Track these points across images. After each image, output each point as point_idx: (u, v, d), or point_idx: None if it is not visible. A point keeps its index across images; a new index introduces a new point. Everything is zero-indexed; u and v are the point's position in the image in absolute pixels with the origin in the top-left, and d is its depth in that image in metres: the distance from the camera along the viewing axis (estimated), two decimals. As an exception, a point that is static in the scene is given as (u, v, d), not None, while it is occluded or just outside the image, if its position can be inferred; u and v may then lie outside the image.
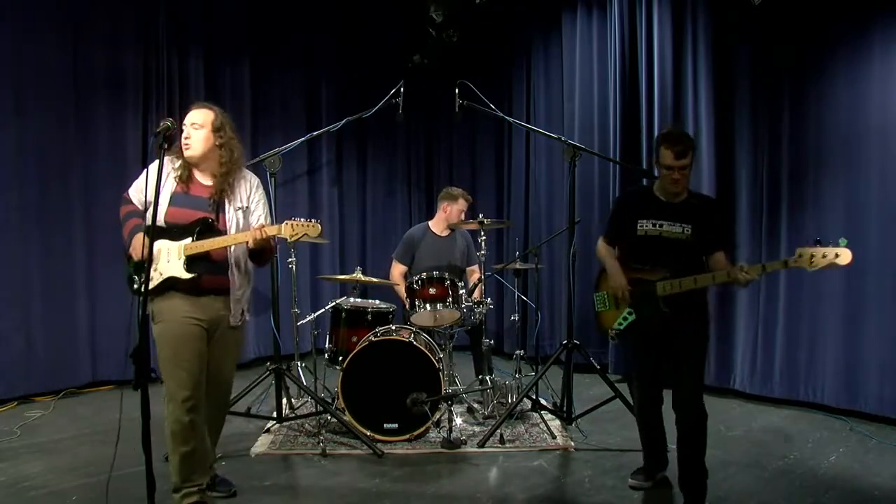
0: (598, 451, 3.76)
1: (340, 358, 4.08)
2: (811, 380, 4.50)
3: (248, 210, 2.96)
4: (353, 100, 6.25)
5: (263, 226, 2.79)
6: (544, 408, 4.26)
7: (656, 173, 3.13)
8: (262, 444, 3.84)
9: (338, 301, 4.40)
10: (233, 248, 2.89)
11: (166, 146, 2.56)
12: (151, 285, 2.76)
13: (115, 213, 5.38)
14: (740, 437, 4.01)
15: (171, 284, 2.79)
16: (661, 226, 3.04)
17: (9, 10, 4.64)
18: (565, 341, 4.19)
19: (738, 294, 4.84)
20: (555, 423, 4.17)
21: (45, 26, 4.80)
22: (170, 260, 2.79)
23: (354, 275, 4.31)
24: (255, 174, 3.14)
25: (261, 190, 3.06)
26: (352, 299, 4.52)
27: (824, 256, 2.65)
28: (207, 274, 2.83)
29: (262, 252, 2.91)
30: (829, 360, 4.40)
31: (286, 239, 2.81)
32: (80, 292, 5.04)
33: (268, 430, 4.06)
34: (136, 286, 2.86)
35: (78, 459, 3.62)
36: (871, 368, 4.21)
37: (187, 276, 2.76)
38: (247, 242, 2.83)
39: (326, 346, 4.33)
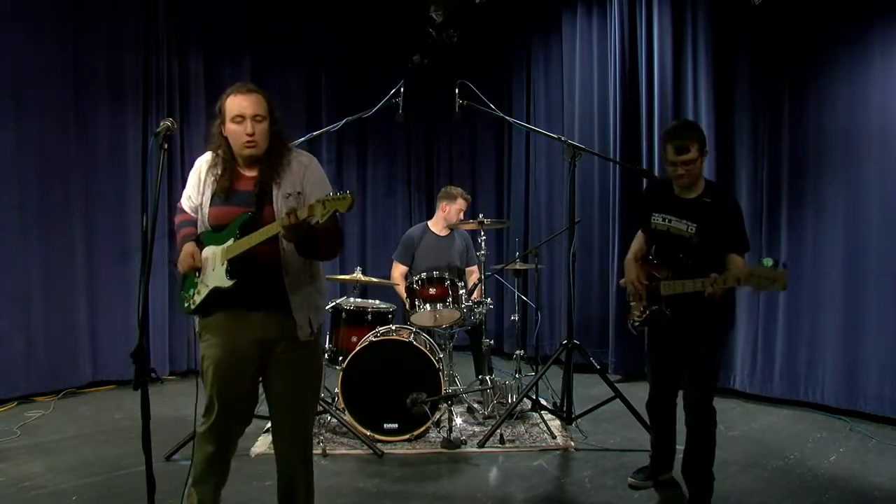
0: (598, 451, 3.76)
1: (340, 358, 4.08)
2: (811, 380, 4.50)
3: (303, 195, 2.43)
4: (353, 100, 6.24)
5: (294, 209, 2.26)
6: (544, 408, 4.26)
7: (656, 172, 3.13)
8: (262, 444, 3.84)
9: (338, 301, 4.40)
10: (285, 244, 2.38)
11: (165, 146, 2.34)
12: (198, 300, 2.41)
13: (115, 212, 5.36)
14: (740, 437, 4.01)
15: (218, 298, 2.38)
16: (669, 221, 2.99)
17: (9, 10, 4.64)
18: (565, 341, 4.18)
19: (738, 294, 4.84)
20: (555, 423, 4.17)
21: (45, 26, 4.80)
22: (214, 268, 2.38)
23: (354, 275, 4.31)
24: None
25: (317, 172, 2.51)
26: (352, 299, 4.52)
27: (764, 280, 2.67)
28: (257, 281, 2.36)
29: (312, 242, 2.34)
30: (829, 360, 4.40)
31: (319, 220, 2.28)
32: (80, 292, 5.04)
33: (268, 430, 4.05)
34: (186, 304, 2.45)
35: (78, 459, 3.62)
36: (871, 368, 4.21)
37: (228, 283, 2.34)
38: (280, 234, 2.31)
39: (326, 346, 4.32)
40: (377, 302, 4.51)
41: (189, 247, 2.42)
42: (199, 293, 2.42)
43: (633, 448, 3.72)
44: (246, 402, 2.51)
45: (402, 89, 4.35)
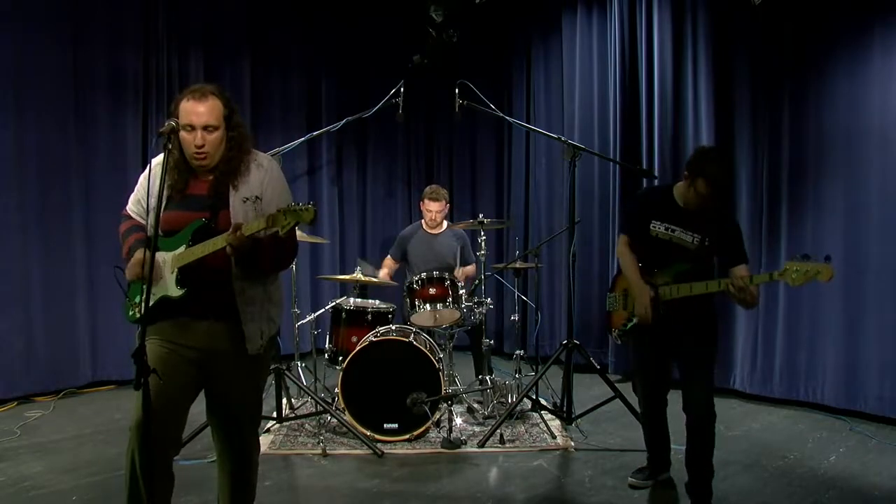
0: (598, 451, 3.76)
1: (340, 358, 4.08)
2: (811, 380, 4.50)
3: (262, 200, 2.31)
4: (353, 100, 6.25)
5: (241, 224, 2.15)
6: (544, 408, 4.26)
7: (656, 173, 3.12)
8: (261, 444, 3.82)
9: (338, 301, 4.41)
10: None
11: (169, 146, 2.22)
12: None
13: (115, 212, 5.36)
14: (740, 437, 4.01)
15: (165, 306, 2.25)
16: (673, 231, 2.99)
17: (9, 10, 4.64)
18: (565, 341, 4.19)
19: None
20: (555, 423, 4.17)
21: (45, 26, 4.80)
22: (164, 275, 2.26)
23: (354, 275, 4.31)
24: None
25: (276, 176, 2.39)
26: (352, 299, 4.52)
27: (806, 272, 2.66)
28: (206, 290, 2.24)
29: (255, 255, 2.21)
30: (829, 360, 4.40)
31: (278, 231, 2.13)
32: (80, 292, 5.04)
33: (268, 430, 4.06)
34: (130, 313, 2.32)
35: (78, 459, 3.62)
36: (871, 368, 4.21)
37: (178, 293, 2.23)
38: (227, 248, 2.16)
39: (326, 346, 4.33)
40: (377, 302, 4.51)
41: (140, 254, 2.25)
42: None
43: (633, 448, 3.72)
44: (173, 413, 2.25)
45: (402, 89, 4.35)
